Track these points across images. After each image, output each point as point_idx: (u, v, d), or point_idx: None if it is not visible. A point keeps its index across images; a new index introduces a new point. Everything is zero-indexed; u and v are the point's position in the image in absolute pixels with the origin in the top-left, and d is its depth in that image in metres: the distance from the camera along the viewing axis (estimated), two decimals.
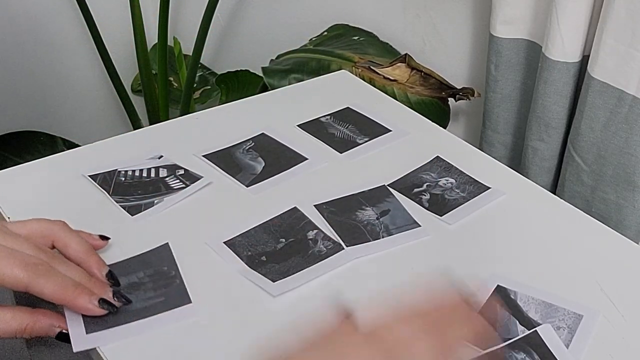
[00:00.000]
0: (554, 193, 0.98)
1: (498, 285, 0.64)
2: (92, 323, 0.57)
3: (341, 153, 0.81)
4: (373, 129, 0.86)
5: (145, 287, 0.61)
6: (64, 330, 0.56)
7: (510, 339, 0.59)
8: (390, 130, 0.85)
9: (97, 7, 1.44)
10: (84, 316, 0.57)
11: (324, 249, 0.67)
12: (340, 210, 0.71)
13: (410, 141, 0.84)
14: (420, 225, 0.70)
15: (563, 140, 1.04)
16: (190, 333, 0.58)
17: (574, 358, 0.57)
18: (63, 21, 1.57)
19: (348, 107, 0.89)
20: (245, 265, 0.64)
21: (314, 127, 0.85)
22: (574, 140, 0.98)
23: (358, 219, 0.70)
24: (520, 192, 0.77)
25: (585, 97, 0.94)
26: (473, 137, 1.25)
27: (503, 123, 1.12)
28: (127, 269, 0.62)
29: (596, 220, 0.73)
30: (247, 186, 0.75)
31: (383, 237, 0.68)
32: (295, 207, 0.72)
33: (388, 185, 0.76)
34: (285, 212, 0.71)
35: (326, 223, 0.70)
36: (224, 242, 0.67)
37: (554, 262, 0.68)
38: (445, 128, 0.92)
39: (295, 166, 0.79)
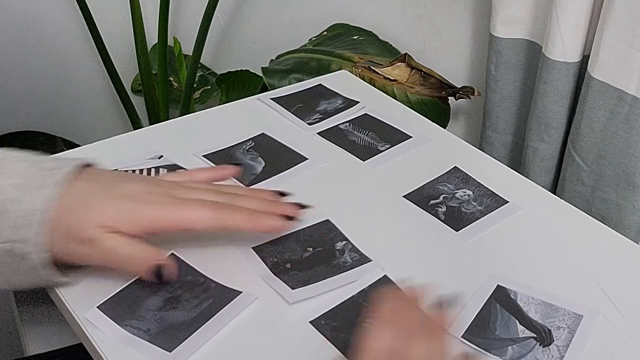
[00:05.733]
0: (554, 193, 0.99)
1: (498, 285, 0.64)
2: (164, 341, 0.56)
3: (364, 160, 0.80)
4: (393, 136, 0.84)
5: (184, 297, 0.60)
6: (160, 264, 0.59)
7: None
8: (411, 137, 0.84)
9: (97, 7, 1.44)
10: (151, 341, 0.56)
11: (350, 260, 0.65)
12: (343, 324, 0.60)
13: (427, 149, 0.83)
14: None
15: (563, 140, 1.04)
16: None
17: (574, 358, 0.58)
18: (63, 21, 1.56)
19: (366, 114, 0.89)
20: (269, 271, 0.64)
21: (333, 134, 0.85)
22: (574, 140, 0.98)
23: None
24: (525, 196, 0.77)
25: (585, 97, 0.94)
26: (473, 137, 1.25)
27: (503, 123, 1.12)
28: (150, 286, 0.61)
29: (596, 220, 0.73)
30: (247, 186, 0.75)
31: None
32: (327, 220, 0.70)
33: (404, 196, 0.74)
34: (317, 223, 0.70)
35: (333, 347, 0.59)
36: (252, 248, 0.66)
37: (554, 262, 0.68)
38: (445, 128, 0.92)
39: (295, 166, 0.79)
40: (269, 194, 0.68)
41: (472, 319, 0.60)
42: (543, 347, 0.58)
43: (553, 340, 0.59)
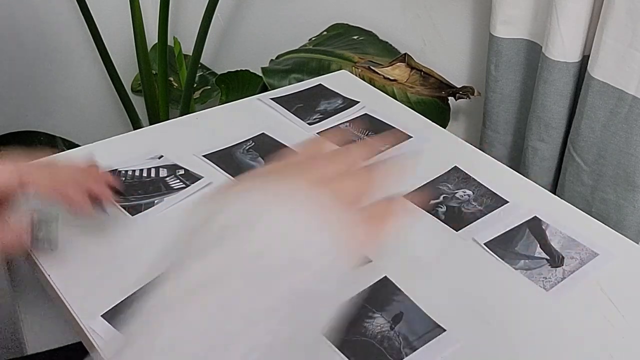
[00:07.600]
0: (554, 193, 0.99)
1: (535, 216, 0.71)
2: None
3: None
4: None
5: None
6: None
7: None
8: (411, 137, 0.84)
9: (97, 7, 1.44)
10: None
11: None
12: (343, 324, 0.58)
13: (427, 149, 0.83)
14: (444, 330, 0.60)
15: (563, 140, 1.04)
16: None
17: (574, 281, 0.64)
18: (63, 21, 1.57)
19: (366, 114, 0.89)
20: None
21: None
22: (574, 140, 0.98)
23: (369, 333, 0.59)
24: (525, 196, 0.77)
25: (585, 97, 0.94)
26: (473, 137, 1.25)
27: (503, 123, 1.12)
28: None
29: (596, 220, 0.73)
30: None
31: (407, 355, 0.57)
32: None
33: (404, 196, 0.74)
34: None
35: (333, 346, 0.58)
36: None
37: None
38: (445, 128, 0.92)
39: None
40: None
41: (500, 234, 0.68)
42: (551, 267, 0.65)
43: (562, 265, 0.66)
